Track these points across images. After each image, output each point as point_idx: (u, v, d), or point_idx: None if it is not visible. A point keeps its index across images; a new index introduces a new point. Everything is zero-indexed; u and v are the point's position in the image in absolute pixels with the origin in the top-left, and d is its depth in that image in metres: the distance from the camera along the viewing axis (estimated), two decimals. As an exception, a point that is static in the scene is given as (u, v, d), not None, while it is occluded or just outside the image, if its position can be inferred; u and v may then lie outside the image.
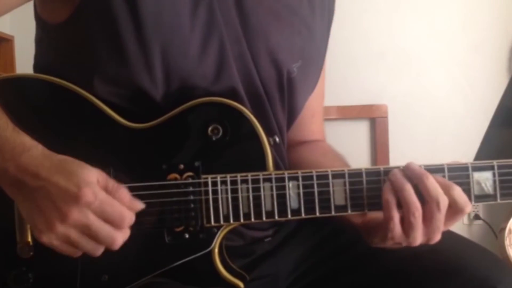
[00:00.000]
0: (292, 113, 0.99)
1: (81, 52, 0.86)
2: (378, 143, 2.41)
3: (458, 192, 0.78)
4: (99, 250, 0.75)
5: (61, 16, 0.87)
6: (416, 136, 2.40)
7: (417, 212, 0.77)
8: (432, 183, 0.77)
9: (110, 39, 0.83)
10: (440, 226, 0.78)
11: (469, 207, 0.79)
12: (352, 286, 0.95)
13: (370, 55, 2.38)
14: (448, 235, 0.91)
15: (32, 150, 0.75)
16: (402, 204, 0.78)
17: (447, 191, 0.77)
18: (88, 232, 0.73)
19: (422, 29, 2.38)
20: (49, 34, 0.91)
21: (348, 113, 2.42)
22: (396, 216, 0.78)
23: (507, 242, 2.08)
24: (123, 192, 0.75)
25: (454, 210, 0.78)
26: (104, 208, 0.73)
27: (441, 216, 0.77)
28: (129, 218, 0.75)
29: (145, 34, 0.82)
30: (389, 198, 0.79)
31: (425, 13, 2.37)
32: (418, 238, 0.79)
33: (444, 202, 0.77)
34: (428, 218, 0.78)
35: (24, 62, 2.32)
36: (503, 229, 2.13)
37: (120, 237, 0.74)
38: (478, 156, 1.79)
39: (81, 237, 0.73)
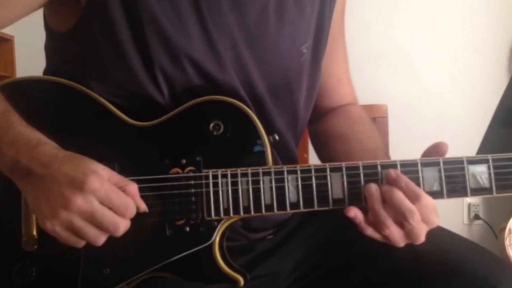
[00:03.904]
0: (309, 94, 0.98)
1: (85, 60, 0.88)
2: (378, 143, 2.41)
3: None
4: (101, 238, 0.75)
5: (66, 26, 0.88)
6: (416, 136, 2.39)
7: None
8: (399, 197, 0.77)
9: (113, 50, 0.85)
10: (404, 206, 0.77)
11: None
12: (352, 285, 0.95)
13: (370, 55, 2.38)
14: (448, 235, 0.92)
15: (48, 144, 0.77)
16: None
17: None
18: (91, 219, 0.74)
19: (422, 29, 2.38)
20: (56, 43, 0.93)
21: (348, 113, 2.42)
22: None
23: (507, 242, 2.09)
24: (132, 187, 0.77)
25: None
26: (109, 195, 0.74)
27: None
28: (133, 208, 0.76)
29: (149, 49, 0.84)
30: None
31: (425, 13, 2.38)
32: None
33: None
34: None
35: (24, 62, 2.33)
36: (503, 229, 2.13)
37: (123, 225, 0.75)
38: (478, 156, 1.79)
39: (84, 224, 0.74)
